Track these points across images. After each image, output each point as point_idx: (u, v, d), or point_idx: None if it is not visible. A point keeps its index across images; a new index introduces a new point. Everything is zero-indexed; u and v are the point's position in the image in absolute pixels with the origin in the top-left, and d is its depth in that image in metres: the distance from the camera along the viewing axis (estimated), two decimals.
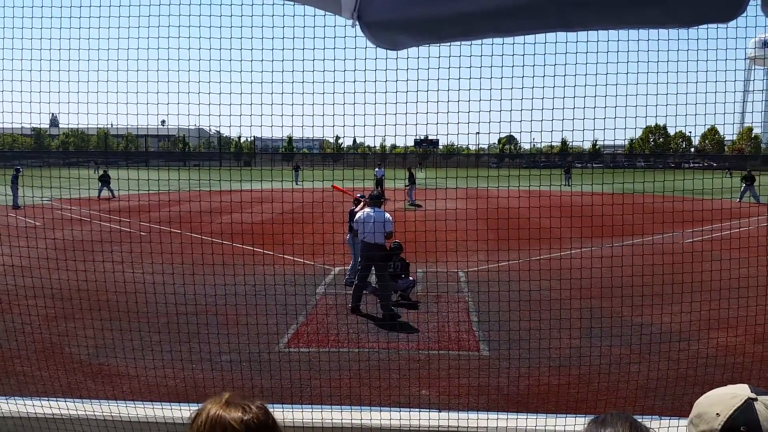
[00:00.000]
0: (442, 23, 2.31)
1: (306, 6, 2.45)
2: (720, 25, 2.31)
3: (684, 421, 3.41)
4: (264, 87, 3.64)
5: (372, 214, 8.51)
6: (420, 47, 2.58)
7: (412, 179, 27.56)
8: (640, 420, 1.51)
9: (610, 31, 3.43)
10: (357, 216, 8.75)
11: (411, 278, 9.26)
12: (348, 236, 10.19)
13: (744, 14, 2.12)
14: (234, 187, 23.20)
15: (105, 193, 27.38)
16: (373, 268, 8.47)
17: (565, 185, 33.43)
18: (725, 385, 1.43)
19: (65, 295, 6.49)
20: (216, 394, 1.61)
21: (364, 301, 8.66)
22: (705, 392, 1.46)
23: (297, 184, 33.19)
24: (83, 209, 20.80)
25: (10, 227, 13.05)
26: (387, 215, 8.56)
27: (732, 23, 2.28)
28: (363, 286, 8.60)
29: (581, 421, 3.50)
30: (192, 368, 6.14)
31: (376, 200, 8.87)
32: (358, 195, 10.50)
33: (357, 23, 2.35)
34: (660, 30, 2.54)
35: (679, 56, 3.63)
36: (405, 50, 2.72)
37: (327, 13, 2.48)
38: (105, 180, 27.32)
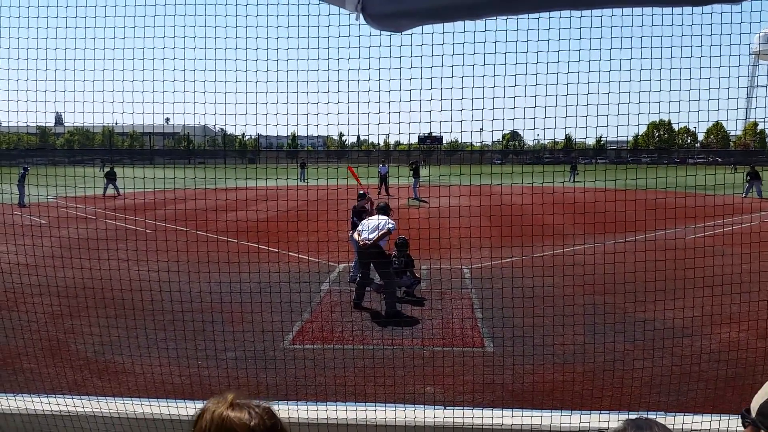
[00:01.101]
0: (447, 8, 2.31)
1: (311, 0, 2.45)
2: (733, 7, 2.29)
3: (689, 417, 3.42)
4: (269, 86, 3.65)
5: (377, 218, 8.63)
6: (423, 33, 2.59)
7: (416, 174, 27.49)
8: (644, 414, 1.53)
9: (613, 27, 3.43)
10: (365, 221, 8.83)
11: (417, 275, 9.26)
12: (351, 233, 10.23)
13: (750, 3, 2.12)
14: (239, 185, 23.25)
15: (110, 190, 27.47)
16: (373, 266, 8.51)
17: (568, 182, 33.30)
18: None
19: (71, 293, 6.52)
20: (218, 394, 1.55)
21: (368, 298, 8.68)
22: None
23: (303, 181, 33.23)
24: (88, 207, 20.87)
25: (15, 225, 13.12)
26: (390, 220, 8.64)
27: (737, 18, 2.28)
28: (366, 283, 8.63)
29: (586, 419, 3.50)
30: (197, 365, 6.17)
31: (383, 211, 8.95)
32: (360, 191, 10.54)
33: (361, 15, 2.35)
34: (664, 14, 2.54)
35: (683, 52, 3.63)
36: (409, 49, 2.73)
37: (331, 7, 2.48)
38: (111, 177, 27.41)
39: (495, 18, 2.47)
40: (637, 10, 2.77)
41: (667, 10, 2.70)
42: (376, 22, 2.36)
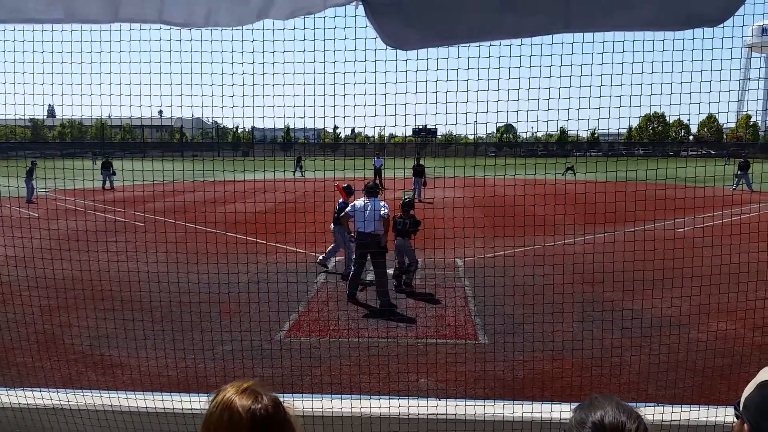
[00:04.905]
0: (445, 13, 2.31)
1: None
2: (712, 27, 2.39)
3: (678, 407, 3.47)
4: (265, 78, 3.62)
5: (368, 203, 8.48)
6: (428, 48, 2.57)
7: (420, 174, 26.92)
8: (634, 406, 1.55)
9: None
10: (353, 205, 8.69)
11: (417, 260, 9.17)
12: (333, 227, 10.16)
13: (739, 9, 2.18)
14: (233, 177, 23.18)
15: (108, 183, 27.36)
16: (369, 257, 8.46)
17: (560, 174, 33.30)
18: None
19: (66, 285, 6.51)
20: (242, 379, 1.63)
21: (362, 290, 8.71)
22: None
23: (300, 175, 33.16)
24: (81, 200, 20.78)
25: (9, 218, 13.05)
26: (383, 203, 8.52)
27: None
28: (360, 274, 8.61)
29: None
30: (192, 358, 6.18)
31: (372, 191, 8.71)
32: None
33: (360, 4, 2.33)
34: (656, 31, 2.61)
35: (675, 45, 3.64)
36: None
37: None
38: (107, 168, 27.14)
39: (496, 40, 2.51)
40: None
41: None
42: (377, 23, 2.33)
